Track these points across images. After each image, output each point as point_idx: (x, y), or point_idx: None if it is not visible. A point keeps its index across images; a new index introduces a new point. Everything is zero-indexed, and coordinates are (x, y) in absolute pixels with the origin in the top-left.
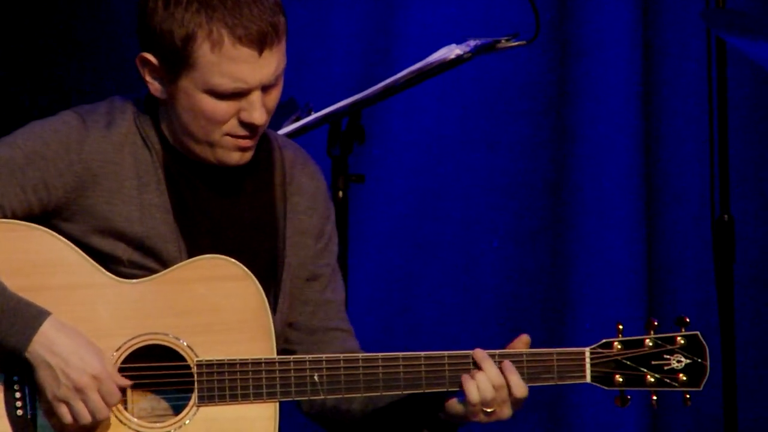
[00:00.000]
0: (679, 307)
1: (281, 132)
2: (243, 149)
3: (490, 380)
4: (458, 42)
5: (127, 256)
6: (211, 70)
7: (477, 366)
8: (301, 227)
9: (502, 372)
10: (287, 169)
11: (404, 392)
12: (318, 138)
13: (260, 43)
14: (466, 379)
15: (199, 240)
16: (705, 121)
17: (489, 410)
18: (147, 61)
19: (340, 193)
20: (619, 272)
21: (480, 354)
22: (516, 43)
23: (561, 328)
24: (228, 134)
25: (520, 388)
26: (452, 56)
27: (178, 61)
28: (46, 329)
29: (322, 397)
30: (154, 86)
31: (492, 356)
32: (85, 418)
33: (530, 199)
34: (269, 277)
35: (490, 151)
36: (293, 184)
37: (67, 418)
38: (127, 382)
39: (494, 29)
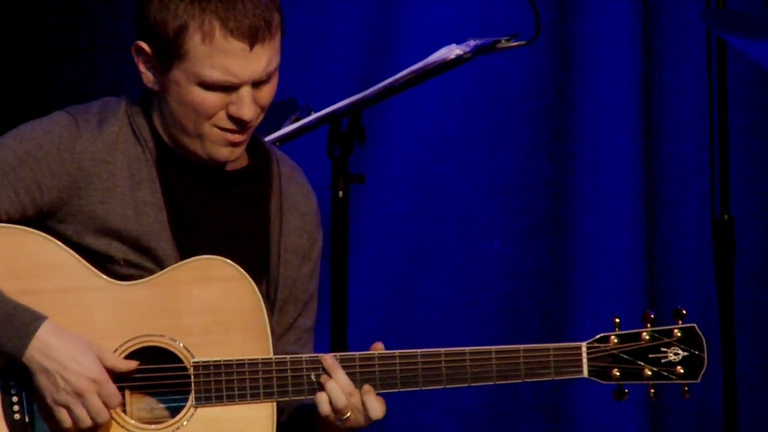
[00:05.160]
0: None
1: (281, 132)
2: (233, 144)
3: (341, 388)
4: (458, 42)
5: (123, 255)
6: (202, 62)
7: (327, 373)
8: (291, 246)
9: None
10: (283, 186)
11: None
12: (318, 138)
13: (252, 38)
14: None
15: (190, 239)
16: (705, 121)
17: (344, 417)
18: (141, 50)
19: (340, 193)
20: (619, 272)
21: (329, 361)
22: (516, 43)
23: (561, 328)
24: (216, 126)
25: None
26: (452, 56)
27: (170, 51)
28: (43, 334)
29: None
30: (147, 77)
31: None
32: (86, 421)
33: (530, 199)
34: (258, 283)
35: (490, 151)
36: (287, 201)
37: (68, 422)
38: (132, 365)
39: (494, 29)
